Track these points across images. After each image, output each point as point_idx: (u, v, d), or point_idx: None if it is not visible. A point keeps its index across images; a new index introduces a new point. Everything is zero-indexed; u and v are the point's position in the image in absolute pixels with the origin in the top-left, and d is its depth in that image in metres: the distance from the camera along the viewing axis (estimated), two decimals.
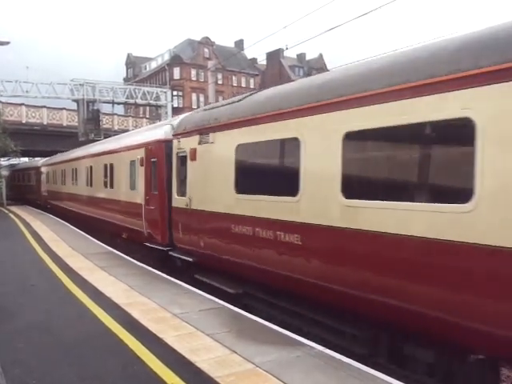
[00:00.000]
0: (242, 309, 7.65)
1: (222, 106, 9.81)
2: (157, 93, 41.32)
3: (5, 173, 37.87)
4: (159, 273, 10.53)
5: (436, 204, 4.87)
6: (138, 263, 11.81)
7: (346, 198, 5.94)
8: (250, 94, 9.09)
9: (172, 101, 46.10)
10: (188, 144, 10.28)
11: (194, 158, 9.99)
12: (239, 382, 4.73)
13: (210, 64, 36.74)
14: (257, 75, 70.23)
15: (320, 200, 6.43)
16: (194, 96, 64.57)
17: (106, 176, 16.90)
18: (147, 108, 56.28)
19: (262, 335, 6.16)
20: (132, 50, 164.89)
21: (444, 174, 5.13)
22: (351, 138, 5.93)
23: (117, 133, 33.70)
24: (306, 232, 6.68)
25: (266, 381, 4.74)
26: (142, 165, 13.02)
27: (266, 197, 7.59)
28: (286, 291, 7.32)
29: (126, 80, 70.08)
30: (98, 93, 36.46)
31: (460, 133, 4.85)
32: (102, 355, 5.60)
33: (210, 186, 9.36)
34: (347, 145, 5.96)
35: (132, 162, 13.92)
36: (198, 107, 57.57)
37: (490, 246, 4.33)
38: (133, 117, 49.09)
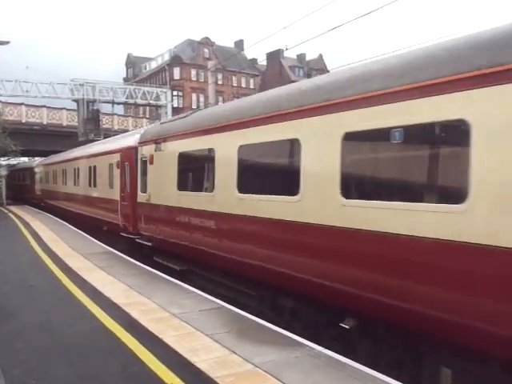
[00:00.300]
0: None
1: (172, 121, 12.57)
2: (157, 93, 41.34)
3: (3, 172, 37.85)
4: (159, 273, 10.53)
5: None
6: (138, 263, 11.81)
7: (240, 192, 8.21)
8: (191, 113, 11.60)
9: (172, 101, 46.13)
10: (148, 151, 12.70)
11: (151, 162, 12.39)
12: (239, 382, 4.73)
13: (210, 64, 36.60)
14: (257, 75, 70.27)
15: (226, 194, 8.64)
16: (194, 96, 64.59)
17: (90, 177, 19.30)
18: (147, 108, 56.32)
19: (262, 335, 6.15)
20: (132, 50, 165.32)
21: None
22: (243, 149, 8.23)
23: (117, 133, 33.71)
24: (219, 218, 8.87)
25: (265, 381, 4.74)
26: (118, 167, 15.31)
27: (195, 193, 10.13)
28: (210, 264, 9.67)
29: (126, 80, 70.07)
30: (98, 93, 36.47)
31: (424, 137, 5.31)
32: (101, 355, 5.60)
33: (162, 184, 11.66)
34: (240, 155, 8.29)
35: (110, 165, 16.13)
36: (198, 107, 57.60)
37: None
38: (133, 117, 49.09)
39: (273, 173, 8.04)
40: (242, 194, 8.11)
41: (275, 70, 61.83)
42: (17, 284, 9.57)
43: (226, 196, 8.64)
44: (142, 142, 13.25)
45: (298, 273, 6.67)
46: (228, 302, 7.99)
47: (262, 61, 65.32)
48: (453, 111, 4.75)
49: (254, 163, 8.46)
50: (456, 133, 4.92)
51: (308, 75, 55.14)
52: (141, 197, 13.02)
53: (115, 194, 15.46)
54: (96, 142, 23.16)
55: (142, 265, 11.58)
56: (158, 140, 12.07)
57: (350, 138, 5.87)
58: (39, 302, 8.19)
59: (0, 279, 10.12)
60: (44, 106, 38.63)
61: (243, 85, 69.62)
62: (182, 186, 10.65)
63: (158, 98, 40.94)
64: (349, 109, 5.83)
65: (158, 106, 42.45)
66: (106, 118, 40.99)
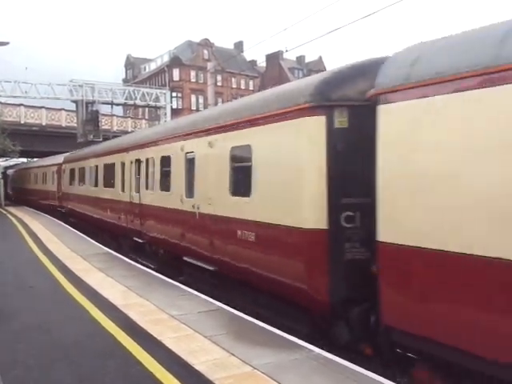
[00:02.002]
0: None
1: (77, 152, 23.63)
2: (156, 94, 41.31)
3: None
4: (157, 274, 10.53)
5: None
6: (136, 264, 11.81)
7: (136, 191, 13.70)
8: (88, 148, 21.84)
9: (171, 102, 46.12)
10: (66, 166, 24.55)
11: (64, 172, 24.96)
12: None
13: (210, 65, 36.64)
14: (256, 77, 70.29)
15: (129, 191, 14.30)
16: (193, 97, 64.60)
17: (43, 179, 31.79)
18: (146, 109, 56.22)
19: (260, 337, 6.16)
20: (131, 51, 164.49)
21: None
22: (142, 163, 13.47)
23: (116, 134, 33.73)
24: (126, 204, 14.45)
25: (263, 383, 4.74)
26: (58, 173, 27.03)
27: (106, 189, 16.97)
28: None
29: (126, 81, 70.01)
30: (97, 94, 36.40)
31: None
32: (100, 357, 5.60)
33: (70, 186, 23.53)
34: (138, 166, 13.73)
35: (52, 173, 28.29)
36: (197, 109, 57.72)
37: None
38: (132, 118, 49.02)
39: (174, 177, 10.92)
40: (137, 194, 13.50)
41: (275, 71, 61.86)
42: (16, 285, 9.58)
43: (129, 192, 14.23)
44: (64, 162, 25.14)
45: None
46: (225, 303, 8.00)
47: (262, 62, 65.43)
48: (247, 140, 7.80)
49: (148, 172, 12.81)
50: (248, 153, 7.68)
51: (307, 76, 55.10)
52: (67, 191, 24.50)
53: (56, 192, 27.18)
54: (48, 158, 33.29)
55: (140, 266, 11.59)
56: (65, 161, 24.95)
57: (233, 150, 8.27)
58: (38, 303, 8.20)
59: None
60: (43, 107, 38.53)
61: (242, 86, 69.65)
62: (76, 184, 22.02)
63: (157, 99, 40.91)
64: (233, 130, 8.35)
65: (157, 108, 42.39)
66: (105, 119, 40.92)
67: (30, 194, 36.63)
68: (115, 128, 42.26)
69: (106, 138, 28.54)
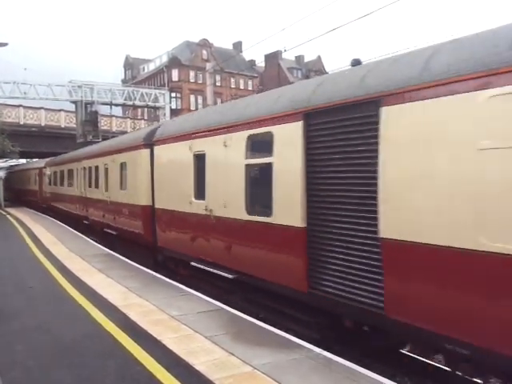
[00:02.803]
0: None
1: (56, 158, 28.72)
2: (155, 94, 41.28)
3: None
4: (157, 275, 10.54)
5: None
6: (136, 265, 11.81)
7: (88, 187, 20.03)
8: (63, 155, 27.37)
9: (170, 102, 46.09)
10: (47, 170, 29.85)
11: (44, 175, 30.77)
12: None
13: (209, 66, 36.64)
14: (255, 77, 70.32)
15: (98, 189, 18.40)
16: (192, 98, 64.61)
17: (27, 180, 37.67)
18: (145, 110, 56.25)
19: (260, 337, 6.17)
20: (130, 51, 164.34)
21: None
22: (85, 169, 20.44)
23: (115, 134, 33.70)
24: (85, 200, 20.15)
25: (263, 383, 4.75)
26: (39, 176, 32.60)
27: (69, 188, 23.43)
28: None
29: (125, 82, 69.99)
30: (96, 94, 36.37)
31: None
32: (100, 357, 5.60)
33: (50, 184, 29.39)
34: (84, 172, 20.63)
35: (35, 175, 34.04)
36: (196, 109, 57.64)
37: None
38: (131, 118, 48.94)
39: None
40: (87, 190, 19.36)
41: (273, 71, 61.89)
42: (16, 286, 9.58)
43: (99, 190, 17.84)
44: (44, 166, 30.56)
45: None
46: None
47: (261, 62, 65.49)
48: (202, 147, 9.53)
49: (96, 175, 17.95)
50: (202, 159, 9.48)
51: (306, 77, 55.13)
52: (46, 190, 30.47)
53: (38, 190, 32.83)
54: (31, 162, 41.07)
55: (140, 267, 11.59)
56: (46, 166, 30.34)
57: (196, 156, 9.86)
58: (38, 303, 8.20)
59: None
60: (42, 108, 38.51)
61: (241, 86, 69.67)
62: (54, 184, 27.81)
63: (156, 99, 40.89)
64: (195, 138, 9.90)
65: (156, 108, 42.37)
66: (105, 119, 40.88)
67: (22, 193, 42.13)
68: (114, 128, 42.23)
69: (105, 138, 28.51)
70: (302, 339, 6.13)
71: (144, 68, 73.97)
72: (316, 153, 6.42)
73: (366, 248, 5.61)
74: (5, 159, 40.63)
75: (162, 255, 12.03)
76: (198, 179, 9.63)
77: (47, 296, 8.75)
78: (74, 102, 35.96)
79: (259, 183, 7.84)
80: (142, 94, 40.05)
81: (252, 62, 66.43)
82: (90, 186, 18.72)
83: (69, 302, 8.22)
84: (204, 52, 66.15)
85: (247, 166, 7.91)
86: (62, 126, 39.69)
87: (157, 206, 11.87)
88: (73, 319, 7.18)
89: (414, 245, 4.98)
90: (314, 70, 63.02)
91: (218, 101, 52.38)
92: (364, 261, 5.64)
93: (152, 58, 73.21)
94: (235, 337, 6.17)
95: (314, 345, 5.88)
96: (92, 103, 35.86)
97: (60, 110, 39.79)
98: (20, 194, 42.23)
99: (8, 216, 27.34)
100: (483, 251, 4.30)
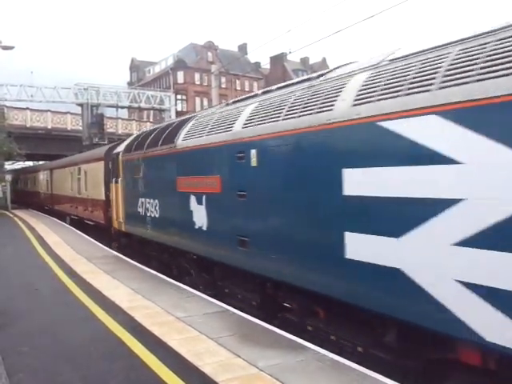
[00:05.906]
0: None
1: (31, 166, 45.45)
2: (161, 97, 41.42)
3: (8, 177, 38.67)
4: (163, 277, 10.54)
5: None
6: (143, 267, 11.83)
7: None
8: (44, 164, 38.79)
9: (176, 105, 46.23)
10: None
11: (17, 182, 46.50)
12: None
13: (214, 68, 36.72)
14: (260, 79, 70.35)
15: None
16: (197, 100, 64.73)
17: (17, 183, 45.91)
18: (151, 112, 56.47)
19: (266, 339, 6.14)
20: (136, 54, 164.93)
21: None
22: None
23: (121, 136, 33.82)
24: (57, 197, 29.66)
25: None
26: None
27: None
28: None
29: (130, 84, 70.27)
30: (102, 97, 36.57)
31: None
32: (106, 359, 5.60)
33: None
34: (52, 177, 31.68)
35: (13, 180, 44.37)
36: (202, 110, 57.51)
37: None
38: (137, 121, 49.10)
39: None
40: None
41: (278, 73, 61.88)
42: (22, 288, 9.62)
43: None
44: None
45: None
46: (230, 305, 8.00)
47: (266, 64, 65.51)
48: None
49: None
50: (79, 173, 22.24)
51: None
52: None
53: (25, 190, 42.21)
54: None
55: (146, 269, 11.60)
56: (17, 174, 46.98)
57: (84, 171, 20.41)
58: (44, 305, 8.22)
59: (5, 283, 10.18)
60: (48, 111, 38.76)
61: (247, 88, 69.71)
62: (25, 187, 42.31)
63: (161, 101, 41.03)
64: (74, 165, 23.04)
65: (161, 110, 42.49)
66: (110, 122, 41.05)
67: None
68: (120, 131, 42.36)
69: (111, 141, 28.63)
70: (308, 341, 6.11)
71: (150, 70, 74.24)
72: None
73: None
74: (12, 161, 40.85)
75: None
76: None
77: (53, 298, 8.77)
78: (80, 105, 36.18)
79: None
80: (147, 97, 40.21)
81: (257, 64, 66.44)
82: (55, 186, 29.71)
83: (75, 303, 8.23)
84: (209, 54, 66.29)
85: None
86: (69, 128, 39.89)
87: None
88: (79, 321, 7.19)
89: None
90: (319, 71, 62.93)
91: (223, 102, 52.34)
92: None
93: (158, 60, 73.51)
94: (241, 338, 6.15)
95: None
96: (98, 106, 36.06)
97: (66, 113, 40.03)
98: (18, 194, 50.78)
99: (15, 218, 27.51)
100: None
